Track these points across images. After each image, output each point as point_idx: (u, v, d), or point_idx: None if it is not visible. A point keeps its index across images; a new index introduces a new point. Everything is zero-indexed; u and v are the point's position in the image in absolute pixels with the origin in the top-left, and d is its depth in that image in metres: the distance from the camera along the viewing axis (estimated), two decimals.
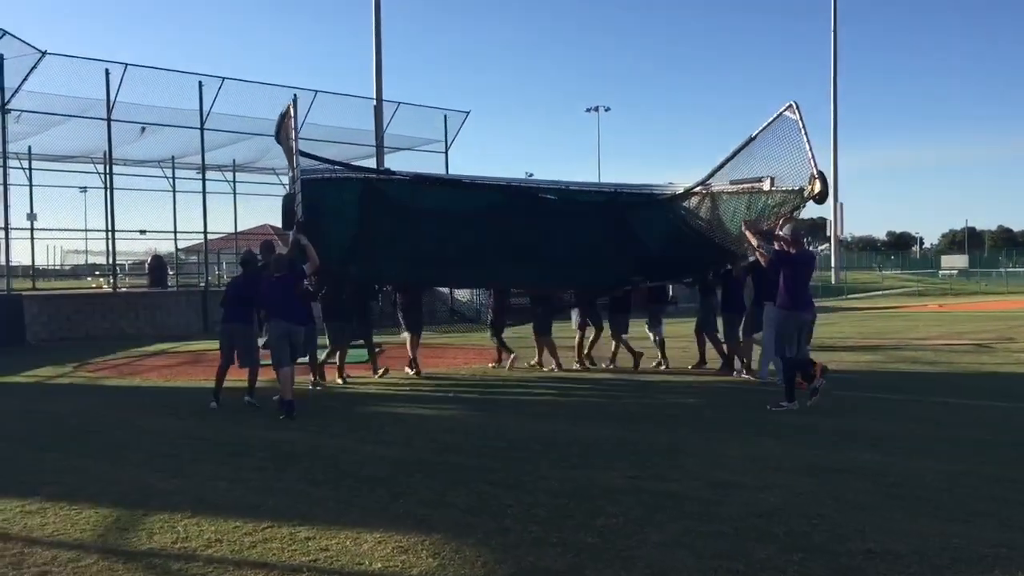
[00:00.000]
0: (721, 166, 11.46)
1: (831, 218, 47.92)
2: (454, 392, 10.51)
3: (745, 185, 11.21)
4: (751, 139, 10.89)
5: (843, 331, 18.57)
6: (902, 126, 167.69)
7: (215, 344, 12.42)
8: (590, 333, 12.78)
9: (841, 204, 47.25)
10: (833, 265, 48.41)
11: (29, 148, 24.10)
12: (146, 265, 24.71)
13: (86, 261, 33.26)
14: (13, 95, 20.12)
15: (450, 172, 27.69)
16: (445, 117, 27.74)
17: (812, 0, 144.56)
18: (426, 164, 27.56)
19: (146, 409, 9.79)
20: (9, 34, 18.59)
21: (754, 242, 9.61)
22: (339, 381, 11.22)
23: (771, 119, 10.56)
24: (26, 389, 12.13)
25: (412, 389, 10.91)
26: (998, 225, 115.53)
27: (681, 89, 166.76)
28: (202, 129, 22.98)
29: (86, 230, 22.65)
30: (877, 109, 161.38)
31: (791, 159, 10.35)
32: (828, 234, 49.87)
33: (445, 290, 14.55)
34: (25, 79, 19.81)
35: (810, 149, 10.00)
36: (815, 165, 9.91)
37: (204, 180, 23.63)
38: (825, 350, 14.43)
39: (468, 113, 28.13)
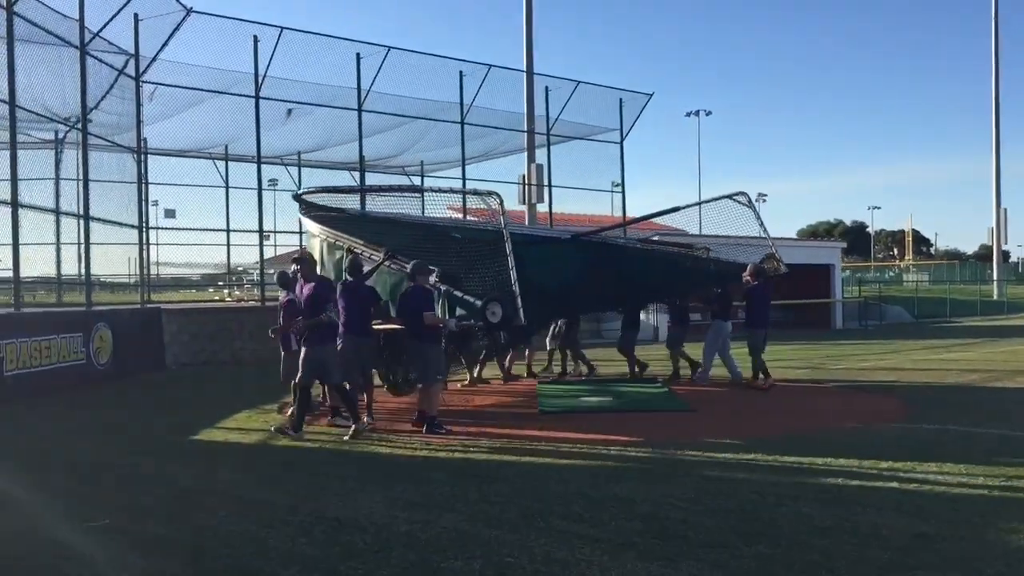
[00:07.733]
0: (639, 219, 14.86)
1: (993, 226, 42.93)
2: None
3: (680, 247, 13.74)
4: (676, 208, 12.84)
5: None
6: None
7: None
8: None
9: (1005, 209, 42.37)
10: (996, 278, 43.12)
11: (145, 140, 20.41)
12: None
13: (155, 272, 28.67)
14: (150, 64, 16.44)
15: (625, 165, 23.85)
16: (620, 101, 23.29)
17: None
18: (602, 155, 23.56)
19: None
20: None
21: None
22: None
23: (712, 198, 12.73)
24: (263, 456, 7.87)
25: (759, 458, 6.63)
26: None
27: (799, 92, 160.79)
28: (360, 111, 19.04)
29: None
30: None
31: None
32: (991, 243, 44.74)
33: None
34: (166, 43, 16.13)
35: (765, 230, 12.44)
36: (774, 247, 12.54)
37: (363, 172, 19.68)
38: None
39: (651, 96, 23.73)
